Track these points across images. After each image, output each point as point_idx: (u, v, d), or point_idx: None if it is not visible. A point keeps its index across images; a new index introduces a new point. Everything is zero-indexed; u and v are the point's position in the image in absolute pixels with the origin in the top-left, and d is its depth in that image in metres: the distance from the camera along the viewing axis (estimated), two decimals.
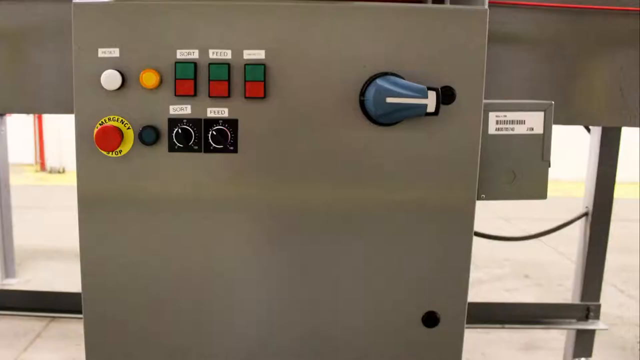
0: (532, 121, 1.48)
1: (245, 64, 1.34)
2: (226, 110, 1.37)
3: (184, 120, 1.36)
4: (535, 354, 3.79)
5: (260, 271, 1.44)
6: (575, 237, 3.26)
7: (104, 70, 1.33)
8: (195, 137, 1.37)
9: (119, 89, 1.35)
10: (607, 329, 3.37)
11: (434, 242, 1.43)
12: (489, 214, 7.36)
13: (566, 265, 5.62)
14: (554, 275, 5.39)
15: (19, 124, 10.75)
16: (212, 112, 1.36)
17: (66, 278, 4.48)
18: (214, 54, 1.35)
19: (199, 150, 1.37)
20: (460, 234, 1.42)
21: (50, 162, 11.39)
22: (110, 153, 1.37)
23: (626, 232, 6.40)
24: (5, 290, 4.05)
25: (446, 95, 1.33)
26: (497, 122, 1.47)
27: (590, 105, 2.09)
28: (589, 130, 3.14)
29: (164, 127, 1.37)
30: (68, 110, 1.65)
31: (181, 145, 1.37)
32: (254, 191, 1.41)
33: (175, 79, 1.34)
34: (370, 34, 1.35)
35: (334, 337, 1.47)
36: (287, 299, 1.46)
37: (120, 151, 1.38)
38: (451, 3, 1.52)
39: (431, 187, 1.41)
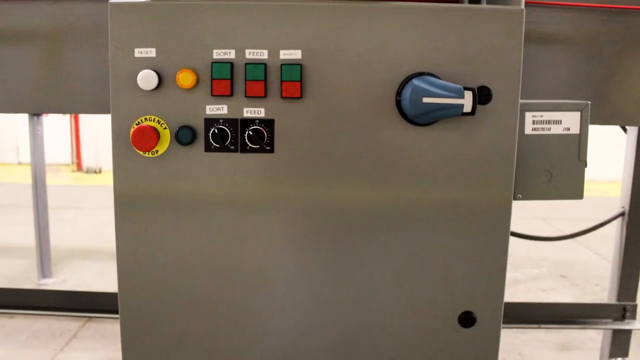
0: (569, 121, 1.50)
1: (281, 64, 1.37)
2: (262, 110, 1.39)
3: (221, 120, 1.39)
4: (572, 354, 3.79)
5: (297, 271, 1.47)
6: (611, 237, 3.27)
7: (140, 70, 1.37)
8: (231, 137, 1.40)
9: (155, 89, 1.38)
10: None
11: (471, 242, 1.45)
12: (526, 214, 7.36)
13: (603, 265, 5.61)
14: (590, 275, 5.39)
15: (56, 124, 11.12)
16: (249, 112, 1.39)
17: (102, 278, 4.57)
18: (251, 54, 1.37)
19: (235, 150, 1.40)
20: (497, 234, 1.44)
21: (86, 162, 11.56)
22: (147, 153, 1.41)
23: None
24: (41, 290, 4.10)
25: (483, 95, 1.36)
26: (533, 122, 1.49)
27: (627, 105, 2.11)
28: (625, 130, 3.15)
29: (200, 127, 1.39)
30: (104, 110, 1.71)
31: (217, 145, 1.39)
32: (290, 191, 1.43)
33: (212, 79, 1.37)
34: (406, 33, 1.37)
35: (370, 338, 1.50)
36: (324, 299, 1.48)
37: (157, 151, 1.41)
38: (487, 3, 1.55)
39: (468, 187, 1.43)
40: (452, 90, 1.31)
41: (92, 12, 1.98)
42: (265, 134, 1.40)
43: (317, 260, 1.47)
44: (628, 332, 3.31)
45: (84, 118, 11.39)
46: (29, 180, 4.33)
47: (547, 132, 1.49)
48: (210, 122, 1.40)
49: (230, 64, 1.37)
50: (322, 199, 1.44)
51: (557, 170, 1.50)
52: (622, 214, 3.16)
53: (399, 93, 1.38)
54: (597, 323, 3.30)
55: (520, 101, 1.40)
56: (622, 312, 3.26)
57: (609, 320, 3.27)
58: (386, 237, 1.45)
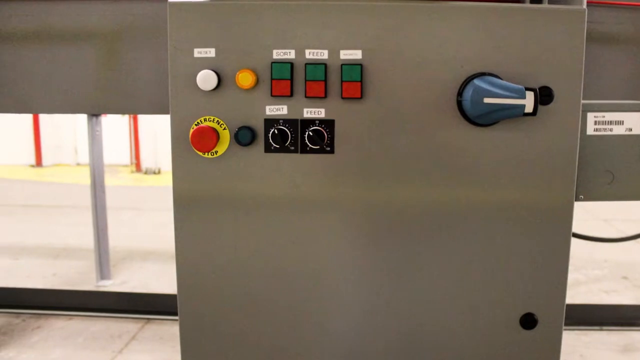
0: (631, 122, 1.53)
1: (342, 64, 1.40)
2: (323, 110, 1.42)
3: (280, 121, 1.43)
4: (635, 355, 3.80)
5: (356, 272, 1.50)
6: None
7: (199, 71, 1.40)
8: (291, 137, 1.43)
9: (214, 89, 1.41)
10: None
11: (532, 244, 1.47)
12: (588, 215, 7.34)
13: None
14: None
15: (115, 125, 11.35)
16: (309, 113, 1.43)
17: (161, 279, 4.59)
18: (311, 54, 1.40)
19: (295, 151, 1.44)
20: (559, 235, 1.47)
21: (145, 163, 11.65)
22: (206, 154, 1.44)
23: None
24: (100, 291, 4.16)
25: (544, 96, 1.38)
26: (595, 123, 1.52)
27: None
28: None
29: (260, 127, 1.43)
30: (163, 111, 1.75)
31: (277, 146, 1.43)
32: (351, 192, 1.46)
33: (272, 79, 1.40)
34: (467, 33, 1.40)
35: (430, 339, 1.52)
36: (383, 301, 1.51)
37: (216, 152, 1.44)
38: (549, 3, 1.57)
39: (529, 188, 1.45)
40: (514, 90, 1.33)
41: (151, 11, 2.02)
42: (326, 135, 1.43)
43: (377, 262, 1.49)
44: None
45: (143, 119, 11.57)
46: (87, 181, 4.34)
47: (609, 132, 1.53)
48: (270, 122, 1.43)
49: (290, 64, 1.40)
50: (382, 199, 1.46)
51: (619, 171, 1.54)
52: None
53: (459, 93, 1.41)
54: None
55: (582, 102, 1.43)
56: None
57: None
58: (446, 238, 1.48)
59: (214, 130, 1.42)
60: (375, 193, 1.46)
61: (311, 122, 1.43)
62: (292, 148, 1.44)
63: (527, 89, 1.34)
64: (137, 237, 5.96)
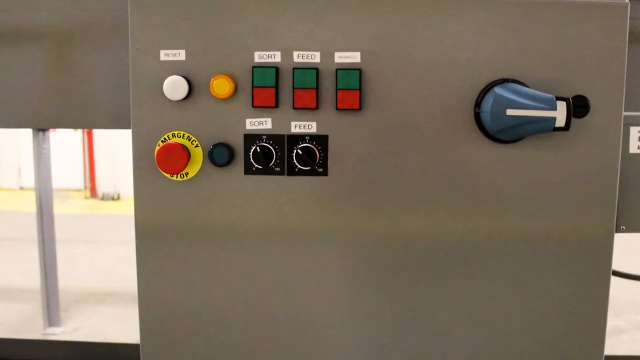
0: None
1: (337, 69, 1.31)
2: (314, 124, 1.34)
3: (264, 137, 1.34)
4: None
5: (355, 319, 1.41)
6: None
7: (167, 77, 1.32)
8: (276, 156, 1.34)
9: (185, 98, 1.33)
10: None
11: (564, 283, 1.38)
12: (630, 249, 7.31)
13: None
14: None
15: (66, 142, 10.60)
16: (297, 127, 1.34)
17: (121, 326, 4.47)
18: (300, 57, 1.32)
19: (281, 173, 1.35)
20: (596, 273, 1.37)
21: (102, 187, 11.06)
22: (175, 176, 1.36)
23: None
24: (48, 340, 4.02)
25: (578, 107, 1.30)
26: (639, 139, 1.47)
27: None
28: None
29: (239, 144, 1.35)
30: (124, 125, 1.66)
31: (260, 167, 1.34)
32: (348, 221, 1.37)
33: (253, 86, 1.32)
34: (487, 32, 1.31)
35: None
36: (388, 351, 1.42)
37: (187, 174, 1.36)
38: None
39: (560, 216, 1.36)
40: (542, 100, 1.25)
41: (110, 6, 1.91)
42: (317, 153, 1.34)
43: (379, 306, 1.41)
44: None
45: (99, 134, 10.88)
46: (33, 208, 4.21)
47: None
48: (251, 138, 1.34)
49: (275, 69, 1.32)
50: (386, 230, 1.38)
51: None
52: None
53: (478, 104, 1.32)
54: None
55: (624, 113, 1.34)
56: None
57: None
58: (462, 277, 1.39)
59: (184, 147, 1.33)
60: (378, 223, 1.37)
61: (300, 138, 1.34)
62: (278, 169, 1.35)
63: (559, 98, 1.25)
64: (93, 276, 5.82)
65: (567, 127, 1.25)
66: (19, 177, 11.35)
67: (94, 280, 5.60)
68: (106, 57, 1.91)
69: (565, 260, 1.38)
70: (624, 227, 1.46)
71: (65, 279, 4.89)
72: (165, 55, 1.33)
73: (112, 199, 10.98)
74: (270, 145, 1.33)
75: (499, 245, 1.38)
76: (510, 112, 1.24)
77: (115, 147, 10.61)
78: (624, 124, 1.37)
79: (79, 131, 10.82)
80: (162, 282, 1.40)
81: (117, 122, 1.92)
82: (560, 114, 1.24)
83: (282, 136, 1.34)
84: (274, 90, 1.32)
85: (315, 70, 1.31)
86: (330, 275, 1.40)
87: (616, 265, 1.54)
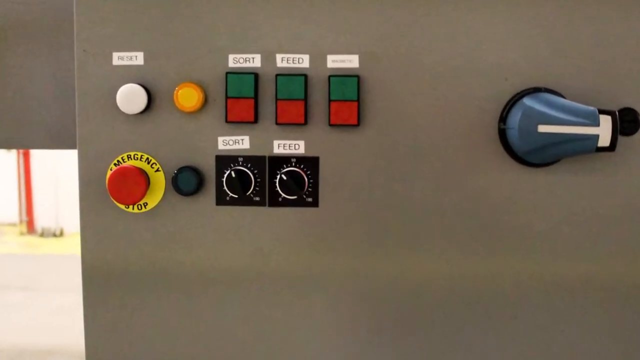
0: None
1: (329, 76, 1.22)
2: (302, 143, 1.25)
3: (240, 159, 1.25)
4: None
5: None
6: None
7: (121, 85, 1.23)
8: (255, 183, 1.24)
9: (143, 112, 1.23)
10: None
11: (612, 339, 1.27)
12: None
13: None
14: None
15: None
16: (281, 147, 1.25)
17: None
18: (284, 61, 1.23)
19: (261, 203, 1.25)
20: None
21: (41, 221, 10.20)
22: (131, 207, 1.26)
23: None
24: None
25: (627, 122, 1.22)
26: None
27: None
28: None
29: (209, 168, 1.25)
30: (68, 144, 1.55)
31: (235, 196, 1.25)
32: (343, 263, 1.28)
33: (227, 97, 1.22)
34: (513, 31, 1.21)
35: None
36: None
37: (145, 204, 1.26)
38: None
39: (606, 257, 1.25)
40: (582, 114, 1.15)
41: None
42: (306, 179, 1.24)
43: None
44: None
45: (38, 156, 10.02)
46: None
47: None
48: (224, 161, 1.25)
49: (254, 75, 1.22)
50: (389, 275, 1.28)
51: None
52: None
53: (503, 119, 1.23)
54: None
55: None
56: None
57: None
58: (482, 332, 1.28)
59: (142, 172, 1.23)
60: (379, 266, 1.27)
61: (285, 160, 1.24)
62: (257, 199, 1.25)
63: (602, 111, 1.15)
64: (30, 330, 5.61)
65: (612, 146, 1.15)
66: None
67: (32, 335, 5.42)
68: (46, 61, 1.73)
69: (614, 310, 1.26)
70: None
71: None
72: (119, 58, 1.24)
73: (54, 235, 10.14)
74: (248, 169, 1.24)
75: (529, 293, 1.27)
76: (542, 128, 1.16)
77: (58, 171, 9.75)
78: None
79: (13, 152, 10.10)
80: (115, 337, 1.30)
81: (59, 141, 1.75)
82: (604, 130, 1.14)
83: (262, 158, 1.25)
84: (252, 101, 1.22)
85: (303, 77, 1.22)
86: (321, 330, 1.30)
87: None
